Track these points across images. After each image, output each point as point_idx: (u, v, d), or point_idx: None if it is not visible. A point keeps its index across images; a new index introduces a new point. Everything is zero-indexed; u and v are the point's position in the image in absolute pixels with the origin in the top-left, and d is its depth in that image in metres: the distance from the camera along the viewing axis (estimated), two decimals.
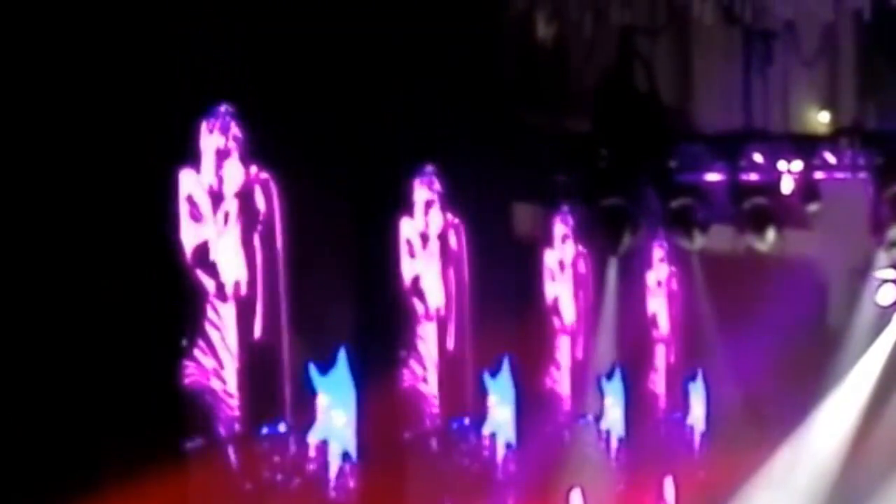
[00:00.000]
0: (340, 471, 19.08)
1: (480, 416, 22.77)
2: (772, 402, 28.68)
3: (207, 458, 16.21)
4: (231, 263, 16.86)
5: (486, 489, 22.99)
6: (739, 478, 27.88)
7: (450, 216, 21.61)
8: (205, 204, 16.30)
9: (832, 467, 28.37)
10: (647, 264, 28.24)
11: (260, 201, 17.30)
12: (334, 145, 18.52)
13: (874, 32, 28.98)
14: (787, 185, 24.08)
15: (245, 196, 17.04)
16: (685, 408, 30.14)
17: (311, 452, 18.44)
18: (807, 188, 24.04)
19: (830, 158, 24.25)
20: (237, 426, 16.79)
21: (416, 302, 21.26)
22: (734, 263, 26.61)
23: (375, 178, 19.80)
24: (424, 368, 21.34)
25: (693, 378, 30.05)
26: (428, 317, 21.53)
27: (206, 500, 16.09)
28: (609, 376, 26.70)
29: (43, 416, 12.72)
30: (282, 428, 17.71)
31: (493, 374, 23.02)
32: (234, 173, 16.85)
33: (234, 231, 16.92)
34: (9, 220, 12.62)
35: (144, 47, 14.38)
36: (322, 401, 18.56)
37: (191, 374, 15.98)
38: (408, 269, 20.91)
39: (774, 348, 27.93)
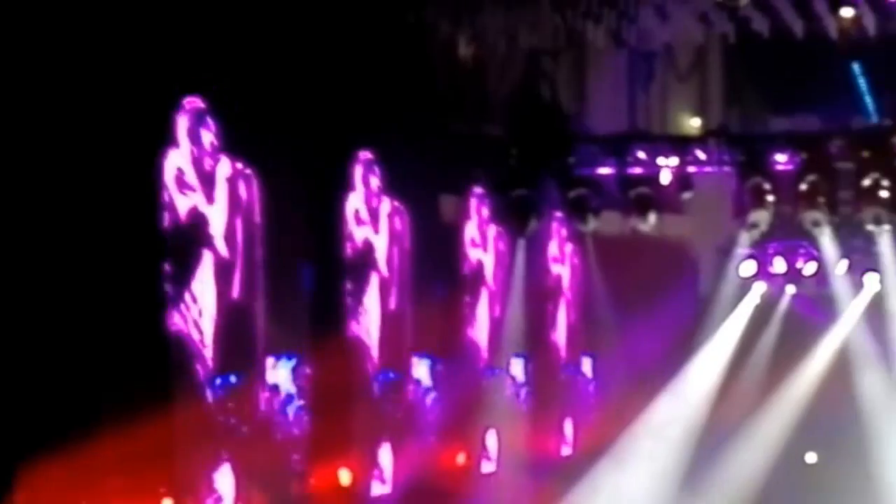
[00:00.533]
0: (296, 413, 19.96)
1: (412, 367, 23.61)
2: (652, 358, 28.88)
3: (188, 395, 17.27)
4: (216, 232, 17.99)
5: (416, 430, 23.62)
6: (626, 422, 28.19)
7: (395, 203, 22.52)
8: (192, 179, 17.34)
9: (701, 416, 28.61)
10: (550, 242, 28.57)
11: (243, 189, 18.38)
12: (296, 140, 19.58)
13: (737, 52, 29.60)
14: (665, 177, 24.56)
15: (232, 182, 18.13)
16: (581, 361, 30.59)
17: (271, 397, 19.41)
18: (681, 180, 24.65)
19: (701, 155, 25.02)
20: (210, 371, 17.80)
21: (365, 266, 22.13)
22: (621, 242, 26.87)
23: (331, 170, 20.96)
24: (368, 324, 22.12)
25: (588, 335, 30.41)
26: (378, 273, 22.46)
27: (185, 429, 17.07)
28: (519, 333, 27.00)
29: (55, 355, 13.68)
30: (247, 375, 18.66)
31: (424, 329, 23.71)
32: (225, 164, 17.98)
33: (221, 207, 18.01)
34: (30, 194, 13.59)
35: (133, 52, 15.28)
36: (281, 352, 19.54)
37: (176, 323, 16.95)
38: (358, 235, 21.78)
39: (654, 312, 28.63)
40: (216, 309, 17.96)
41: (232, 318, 18.39)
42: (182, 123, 17.25)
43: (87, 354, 14.41)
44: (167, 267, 16.84)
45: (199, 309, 17.72)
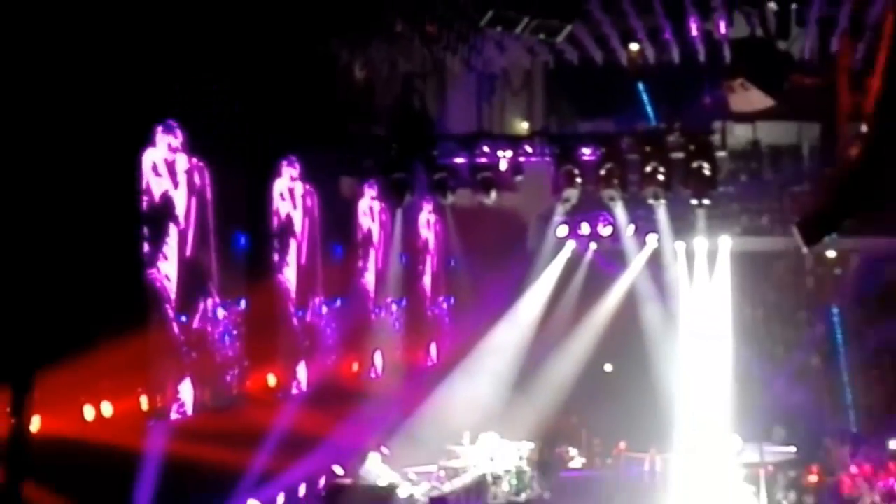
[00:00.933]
0: (232, 340, 20.55)
1: (320, 305, 24.13)
2: (493, 297, 29.37)
3: (160, 326, 18.17)
4: (180, 208, 18.71)
5: (323, 349, 24.24)
6: (474, 344, 28.73)
7: (307, 186, 23.05)
8: (164, 171, 18.15)
9: (528, 338, 29.13)
10: (420, 213, 29.18)
11: (198, 178, 19.14)
12: (238, 143, 20.42)
13: (555, 74, 30.25)
14: (503, 165, 24.69)
15: (190, 172, 18.88)
16: (442, 301, 31.32)
17: (216, 329, 20.05)
18: (514, 167, 24.80)
19: (528, 149, 25.11)
20: (175, 310, 18.55)
21: (286, 233, 22.76)
22: (471, 212, 27.30)
23: (262, 164, 21.63)
24: (288, 274, 22.73)
25: (447, 282, 31.24)
26: (296, 238, 22.96)
27: (157, 350, 18.07)
28: (397, 281, 27.75)
29: (65, 298, 14.49)
30: (201, 313, 19.46)
31: (329, 278, 24.29)
32: (183, 159, 18.67)
33: (183, 190, 18.75)
34: (51, 182, 14.33)
35: (125, 82, 16.07)
36: (224, 293, 20.15)
37: (152, 274, 17.87)
38: (282, 210, 22.39)
39: (495, 263, 29.25)
40: (178, 264, 18.58)
41: (189, 272, 18.97)
42: (158, 132, 17.92)
43: (89, 296, 15.10)
44: (145, 234, 17.65)
45: (168, 264, 18.35)
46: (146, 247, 17.75)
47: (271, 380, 22.18)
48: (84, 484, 14.74)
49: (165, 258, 18.39)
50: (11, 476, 13.42)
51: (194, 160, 19.00)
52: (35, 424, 14.05)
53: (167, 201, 18.46)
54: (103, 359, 15.48)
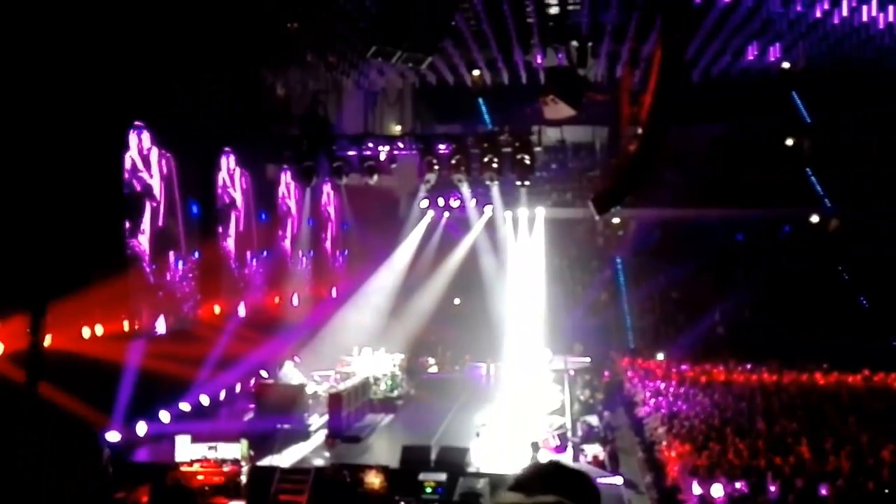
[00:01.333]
0: (190, 282, 21.14)
1: (252, 257, 24.45)
2: (376, 250, 29.61)
3: (138, 275, 18.89)
4: (155, 189, 19.37)
5: (255, 288, 24.65)
6: (360, 284, 28.92)
7: (243, 171, 23.63)
8: (140, 164, 18.76)
9: (400, 280, 29.34)
10: (323, 193, 29.15)
11: (165, 165, 19.77)
12: (193, 143, 20.81)
13: (420, 92, 30.80)
14: (382, 156, 24.26)
15: (159, 161, 19.52)
16: (340, 254, 31.61)
17: (178, 273, 20.67)
18: (390, 157, 24.27)
19: (401, 145, 24.55)
20: (149, 263, 19.33)
21: (229, 207, 23.23)
22: (359, 190, 27.68)
23: (209, 157, 22.08)
24: (230, 235, 23.25)
25: (343, 240, 31.45)
26: (235, 210, 23.44)
27: (136, 290, 18.75)
28: (306, 241, 27.88)
29: (70, 258, 14.85)
30: (165, 264, 20.13)
31: (259, 238, 24.72)
32: (155, 152, 19.26)
33: (156, 177, 19.40)
34: (52, 178, 14.72)
35: (106, 95, 16.29)
36: (185, 251, 20.77)
37: (132, 241, 18.60)
38: (225, 190, 22.90)
39: (376, 228, 29.91)
40: (151, 232, 19.30)
41: (160, 236, 19.68)
42: (132, 135, 18.46)
43: (89, 253, 15.69)
44: (127, 213, 18.36)
45: (144, 236, 19.08)
46: (127, 224, 18.34)
47: (217, 310, 22.55)
48: (83, 385, 15.12)
49: (142, 231, 19.06)
50: (30, 378, 13.67)
51: (163, 151, 19.60)
52: (47, 340, 14.29)
53: (146, 187, 19.17)
54: (97, 295, 15.97)
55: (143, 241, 19.08)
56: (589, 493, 2.72)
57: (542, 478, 2.72)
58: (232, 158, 23.10)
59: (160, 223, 19.66)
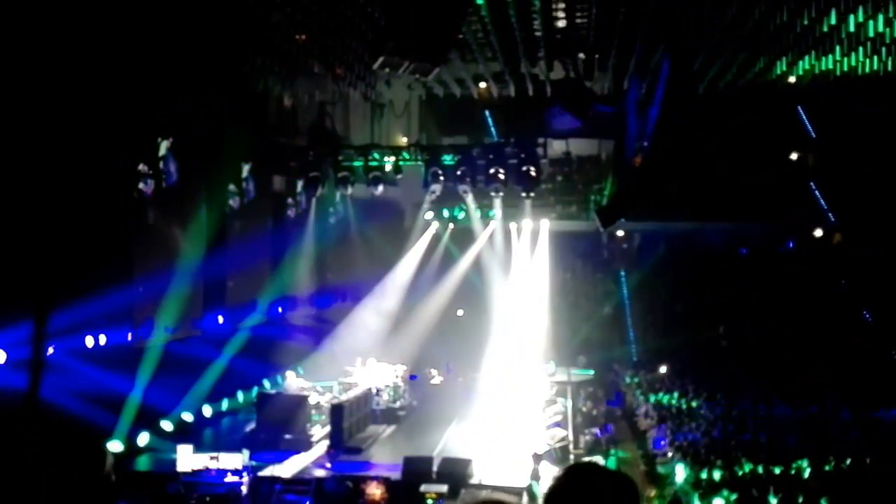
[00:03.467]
0: None
1: None
2: (384, 259, 29.65)
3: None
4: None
5: None
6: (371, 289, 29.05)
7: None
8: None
9: (405, 288, 29.40)
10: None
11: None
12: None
13: (427, 104, 30.74)
14: (388, 167, 24.41)
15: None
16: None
17: None
18: (396, 168, 24.46)
19: (406, 156, 24.86)
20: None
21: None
22: (366, 201, 27.05)
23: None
24: None
25: None
26: None
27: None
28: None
29: (94, 249, 15.54)
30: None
31: None
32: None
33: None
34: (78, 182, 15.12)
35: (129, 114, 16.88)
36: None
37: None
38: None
39: (383, 236, 29.67)
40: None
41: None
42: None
43: (92, 265, 16.00)
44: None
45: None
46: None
47: (220, 320, 22.80)
48: (86, 395, 15.51)
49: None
50: (32, 387, 13.86)
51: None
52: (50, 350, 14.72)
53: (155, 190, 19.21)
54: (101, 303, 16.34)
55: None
56: (628, 493, 2.72)
57: (579, 480, 2.72)
58: (247, 166, 23.05)
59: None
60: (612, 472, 2.79)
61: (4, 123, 14.09)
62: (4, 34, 13.93)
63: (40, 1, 14.24)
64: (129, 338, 18.59)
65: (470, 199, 27.74)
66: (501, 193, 25.76)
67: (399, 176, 24.87)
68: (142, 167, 18.59)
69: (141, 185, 18.68)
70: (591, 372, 28.47)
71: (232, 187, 22.30)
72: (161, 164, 19.00)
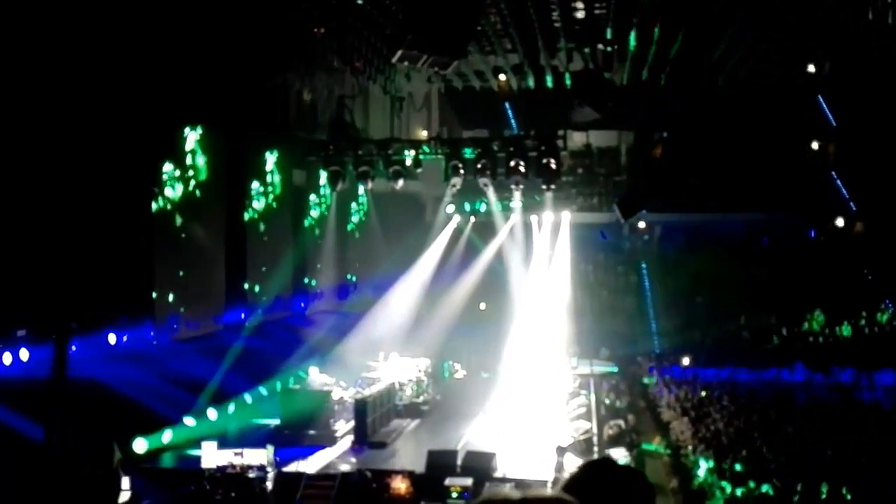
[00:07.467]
0: None
1: None
2: (405, 252, 29.17)
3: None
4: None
5: None
6: (394, 282, 28.55)
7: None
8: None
9: (429, 281, 28.94)
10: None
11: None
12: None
13: (446, 96, 30.75)
14: (408, 161, 23.99)
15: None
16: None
17: None
18: (416, 161, 24.07)
19: (426, 149, 24.31)
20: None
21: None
22: (386, 194, 26.82)
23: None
24: None
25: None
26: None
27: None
28: None
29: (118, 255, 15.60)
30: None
31: None
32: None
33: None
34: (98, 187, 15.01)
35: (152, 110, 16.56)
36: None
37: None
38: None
39: (404, 230, 29.63)
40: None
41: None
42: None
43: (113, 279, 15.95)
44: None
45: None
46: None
47: (242, 315, 22.47)
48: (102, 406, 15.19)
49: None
50: (52, 407, 13.65)
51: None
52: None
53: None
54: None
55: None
56: (642, 491, 2.77)
57: (595, 477, 2.75)
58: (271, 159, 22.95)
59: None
60: (627, 468, 2.81)
61: (29, 125, 14.06)
62: (20, 28, 13.90)
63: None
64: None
65: (491, 192, 27.59)
66: (522, 186, 25.46)
67: (419, 170, 24.74)
68: (167, 167, 18.42)
69: (168, 192, 18.51)
70: (615, 369, 28.33)
71: (256, 184, 22.27)
72: (189, 160, 18.81)
